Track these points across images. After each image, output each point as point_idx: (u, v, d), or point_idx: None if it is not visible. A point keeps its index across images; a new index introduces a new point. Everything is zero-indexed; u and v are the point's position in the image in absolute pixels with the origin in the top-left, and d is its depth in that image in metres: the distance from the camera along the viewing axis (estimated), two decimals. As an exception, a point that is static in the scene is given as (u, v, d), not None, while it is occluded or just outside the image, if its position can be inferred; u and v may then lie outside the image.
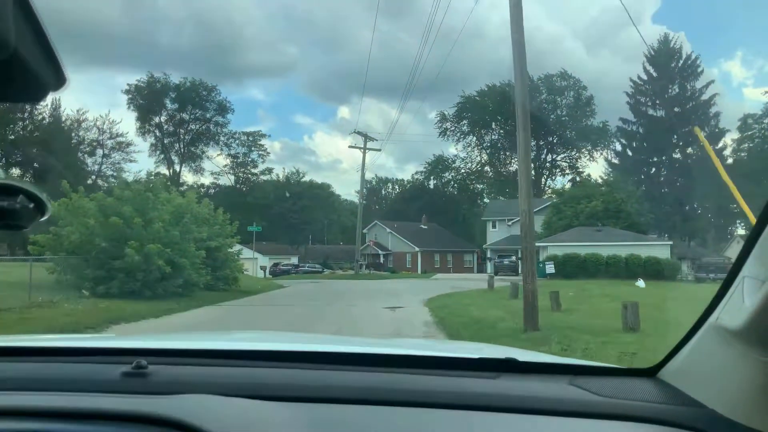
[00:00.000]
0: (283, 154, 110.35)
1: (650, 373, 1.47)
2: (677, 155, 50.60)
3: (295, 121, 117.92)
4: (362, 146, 41.40)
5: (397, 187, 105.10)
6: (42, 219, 0.89)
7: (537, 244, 43.69)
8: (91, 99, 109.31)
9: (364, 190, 38.33)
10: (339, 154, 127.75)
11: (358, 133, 40.48)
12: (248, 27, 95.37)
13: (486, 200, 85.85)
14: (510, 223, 52.72)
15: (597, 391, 1.34)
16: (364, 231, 68.95)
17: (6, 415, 1.07)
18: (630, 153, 54.36)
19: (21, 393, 1.22)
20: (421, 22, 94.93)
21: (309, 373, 1.42)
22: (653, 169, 51.01)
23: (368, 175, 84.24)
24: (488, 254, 52.57)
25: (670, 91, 50.08)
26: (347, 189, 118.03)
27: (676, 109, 49.94)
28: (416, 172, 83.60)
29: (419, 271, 60.46)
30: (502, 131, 74.43)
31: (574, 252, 35.82)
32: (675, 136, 49.99)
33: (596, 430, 1.25)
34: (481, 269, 65.23)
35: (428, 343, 3.04)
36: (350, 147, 41.12)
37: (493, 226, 54.73)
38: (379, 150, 41.58)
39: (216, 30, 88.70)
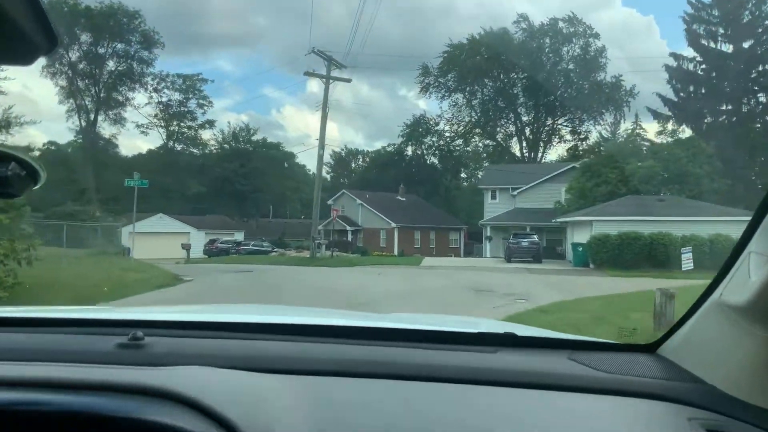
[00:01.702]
0: (251, 128, 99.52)
1: (650, 348, 1.45)
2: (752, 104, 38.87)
3: (263, 94, 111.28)
4: (323, 74, 28.68)
5: (368, 160, 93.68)
6: (35, 187, 0.87)
7: (565, 219, 32.23)
8: None
9: (324, 149, 25.57)
10: (308, 129, 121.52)
11: (318, 53, 27.90)
12: None
13: (475, 168, 74.37)
14: (515, 192, 40.97)
15: (596, 366, 1.33)
16: (329, 202, 56.66)
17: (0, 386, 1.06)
18: (681, 98, 41.82)
19: (14, 363, 1.17)
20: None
21: (307, 346, 1.40)
22: (722, 119, 39.17)
23: (335, 147, 71.83)
24: (487, 232, 40.68)
25: (742, 17, 38.16)
26: (315, 165, 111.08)
27: (747, 44, 38.18)
28: (389, 145, 71.10)
29: (395, 252, 48.59)
30: (498, 84, 62.29)
31: (632, 230, 24.11)
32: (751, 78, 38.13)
33: (595, 404, 1.23)
34: (469, 251, 53.85)
35: (426, 317, 2.39)
36: (306, 73, 28.21)
37: (493, 197, 42.91)
38: (349, 80, 29.07)
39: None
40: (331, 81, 28.70)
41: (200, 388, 1.04)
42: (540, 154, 62.30)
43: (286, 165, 58.70)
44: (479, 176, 78.73)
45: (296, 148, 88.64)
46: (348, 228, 52.17)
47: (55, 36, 0.62)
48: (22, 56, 0.63)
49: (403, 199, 56.75)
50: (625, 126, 56.01)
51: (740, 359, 1.12)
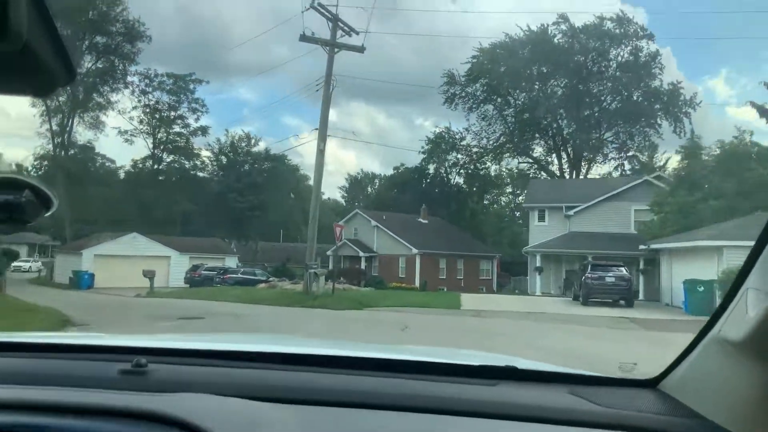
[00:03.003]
0: (253, 138, 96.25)
1: (651, 384, 1.45)
2: None
3: (282, 122, 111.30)
4: (327, 39, 20.79)
5: (385, 181, 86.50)
6: (47, 214, 0.90)
7: (665, 246, 23.44)
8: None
9: (326, 143, 17.56)
10: (325, 156, 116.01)
11: (320, 8, 20.03)
12: (236, 25, 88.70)
13: (512, 188, 65.90)
14: (571, 212, 32.60)
15: (596, 401, 1.33)
16: (342, 222, 48.88)
17: (5, 408, 1.07)
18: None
19: (18, 387, 1.19)
20: (411, 25, 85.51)
21: (307, 375, 1.41)
22: None
23: (351, 171, 64.24)
24: (536, 262, 32.22)
25: None
26: (331, 191, 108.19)
27: None
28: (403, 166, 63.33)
29: (416, 284, 40.42)
30: (534, 93, 54.35)
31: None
32: None
33: None
34: (502, 284, 45.44)
35: (428, 349, 2.35)
36: (303, 39, 20.31)
37: (541, 218, 34.59)
38: (361, 50, 21.17)
39: (203, 26, 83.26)
40: (336, 50, 20.95)
41: (201, 415, 1.05)
42: (583, 174, 53.98)
43: (292, 180, 50.64)
44: (511, 197, 70.96)
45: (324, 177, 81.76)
46: (361, 254, 44.24)
47: (73, 68, 0.64)
48: (41, 88, 0.65)
49: (426, 221, 48.73)
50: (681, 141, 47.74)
51: (740, 395, 1.11)
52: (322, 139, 20.63)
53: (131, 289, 29.14)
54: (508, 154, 57.59)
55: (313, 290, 20.09)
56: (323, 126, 20.85)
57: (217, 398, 1.20)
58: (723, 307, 1.18)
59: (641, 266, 26.61)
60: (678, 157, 29.11)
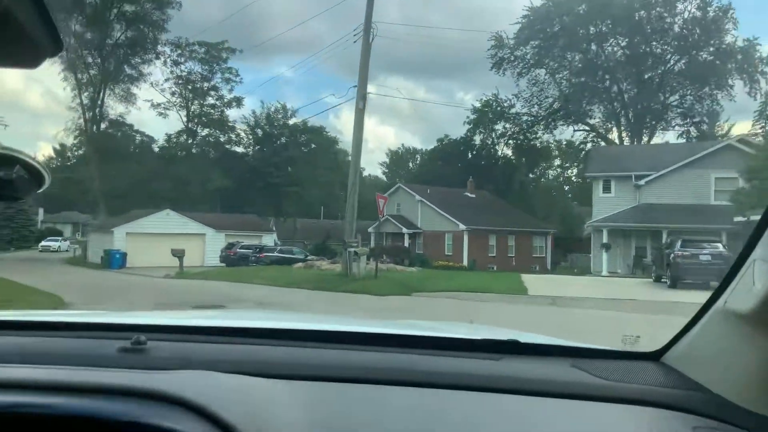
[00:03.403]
0: (289, 109, 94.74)
1: (654, 356, 1.45)
2: None
3: (321, 100, 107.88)
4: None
5: (426, 158, 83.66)
6: (39, 190, 0.90)
7: None
8: None
9: (365, 101, 14.62)
10: (366, 134, 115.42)
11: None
12: (275, 3, 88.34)
13: (558, 161, 62.13)
14: (643, 181, 29.02)
15: (599, 374, 1.32)
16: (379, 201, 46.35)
17: (3, 387, 1.08)
18: None
19: (17, 366, 1.19)
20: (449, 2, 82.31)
21: (309, 351, 1.40)
22: None
23: (391, 146, 61.28)
24: (603, 238, 28.83)
25: None
26: (372, 168, 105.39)
27: None
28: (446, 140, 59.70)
29: (464, 262, 37.61)
30: (591, 55, 50.07)
31: None
32: None
33: (598, 412, 1.22)
34: (556, 262, 42.12)
35: (430, 324, 2.26)
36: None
37: (606, 189, 31.04)
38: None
39: (242, 2, 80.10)
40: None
41: (203, 392, 1.05)
42: (645, 142, 49.61)
43: (331, 153, 47.93)
44: (560, 170, 66.87)
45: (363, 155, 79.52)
46: (404, 230, 41.56)
47: (60, 39, 0.63)
48: (26, 59, 0.63)
49: (473, 195, 45.64)
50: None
51: (745, 367, 1.11)
52: (362, 97, 17.90)
53: (164, 268, 27.36)
54: (561, 121, 53.43)
55: (353, 272, 17.52)
56: (363, 81, 18.12)
57: (218, 375, 1.18)
58: (728, 279, 1.17)
59: (724, 242, 23.14)
60: (747, 124, 25.09)
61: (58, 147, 76.67)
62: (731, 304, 1.14)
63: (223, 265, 34.03)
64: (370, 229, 44.81)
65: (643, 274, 25.40)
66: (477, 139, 57.92)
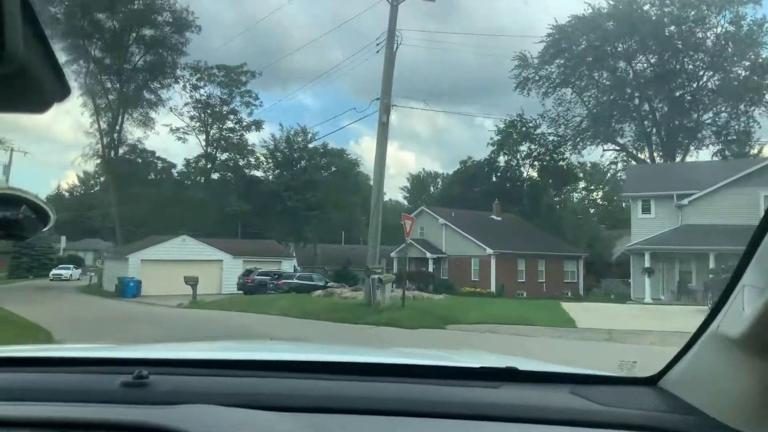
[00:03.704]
0: (309, 132, 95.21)
1: (651, 381, 1.46)
2: None
3: (340, 118, 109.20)
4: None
5: (449, 178, 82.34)
6: (44, 229, 0.92)
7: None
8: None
9: (389, 114, 13.19)
10: (387, 159, 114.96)
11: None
12: (295, 31, 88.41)
13: (583, 183, 60.34)
14: (686, 201, 27.09)
15: (598, 400, 1.33)
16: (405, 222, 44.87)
17: (5, 426, 1.08)
18: None
19: (21, 404, 1.20)
20: (469, 24, 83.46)
21: (309, 382, 1.40)
22: None
23: (412, 171, 60.03)
24: (645, 262, 26.83)
25: None
26: (393, 193, 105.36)
27: None
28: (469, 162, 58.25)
29: (492, 288, 35.82)
30: (620, 72, 48.46)
31: None
32: None
33: None
34: (589, 288, 40.04)
35: (428, 352, 2.43)
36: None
37: (645, 209, 29.08)
38: (433, -1, 16.79)
39: (263, 35, 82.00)
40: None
41: (205, 427, 1.06)
42: (678, 161, 47.51)
43: (351, 177, 46.62)
44: (584, 192, 64.84)
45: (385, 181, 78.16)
46: (428, 255, 39.95)
47: (67, 85, 0.64)
48: (35, 106, 0.64)
49: (500, 218, 43.92)
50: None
51: (739, 391, 1.12)
52: (385, 109, 16.53)
53: (179, 297, 26.07)
54: (589, 141, 51.63)
55: (377, 300, 15.92)
56: (386, 93, 16.75)
57: (220, 409, 1.18)
58: (720, 304, 1.17)
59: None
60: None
61: (81, 175, 76.87)
62: (723, 329, 1.14)
63: (241, 292, 32.69)
64: (392, 254, 43.26)
65: (689, 300, 23.40)
66: (501, 160, 56.38)
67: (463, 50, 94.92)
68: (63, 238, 71.49)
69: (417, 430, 1.23)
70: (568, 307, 19.26)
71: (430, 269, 39.81)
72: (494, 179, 56.73)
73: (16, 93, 0.61)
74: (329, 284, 30.88)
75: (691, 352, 1.31)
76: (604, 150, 52.57)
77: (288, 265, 38.23)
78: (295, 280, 30.42)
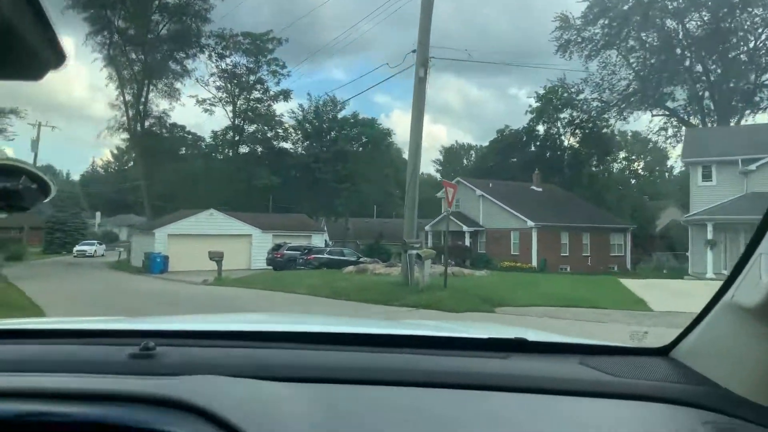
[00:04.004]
0: (339, 102, 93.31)
1: (663, 352, 1.45)
2: None
3: (373, 100, 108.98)
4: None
5: (486, 151, 79.90)
6: (45, 200, 0.92)
7: None
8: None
9: (427, 71, 11.20)
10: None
11: None
12: (324, 6, 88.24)
13: (623, 153, 57.26)
14: (753, 166, 24.53)
15: (608, 371, 1.32)
16: (440, 194, 42.95)
17: (12, 396, 1.09)
18: None
19: (27, 374, 1.20)
20: None
21: (317, 353, 1.40)
22: None
23: (440, 144, 57.83)
24: (707, 233, 24.46)
25: None
26: (425, 166, 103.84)
27: None
28: (507, 130, 55.65)
29: (534, 263, 33.92)
30: (668, 32, 45.07)
31: None
32: None
33: (608, 409, 1.22)
34: (636, 261, 37.74)
35: (436, 323, 2.36)
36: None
37: (706, 176, 26.58)
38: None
39: (292, 10, 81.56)
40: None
41: (211, 397, 1.05)
42: (732, 122, 44.19)
43: (383, 148, 44.67)
44: (625, 162, 61.75)
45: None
46: (465, 228, 38.06)
47: (63, 51, 0.63)
48: (30, 71, 0.64)
49: (540, 189, 41.64)
50: None
51: (754, 361, 1.11)
52: (422, 63, 14.54)
53: (206, 272, 24.97)
54: (636, 106, 48.52)
55: (415, 278, 14.21)
56: (423, 46, 14.72)
57: (227, 379, 1.18)
58: (736, 273, 1.16)
59: None
60: None
61: (115, 151, 76.75)
62: (738, 298, 1.13)
63: (270, 268, 31.51)
64: (427, 228, 41.54)
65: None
66: (541, 129, 53.71)
67: (496, 16, 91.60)
68: (98, 214, 71.82)
69: (425, 401, 1.20)
70: (631, 285, 17.20)
71: (467, 243, 37.99)
72: (533, 149, 54.20)
73: (8, 58, 0.59)
74: (361, 259, 29.38)
75: (705, 322, 1.29)
76: (652, 116, 49.39)
77: (318, 240, 36.88)
78: (325, 255, 28.97)
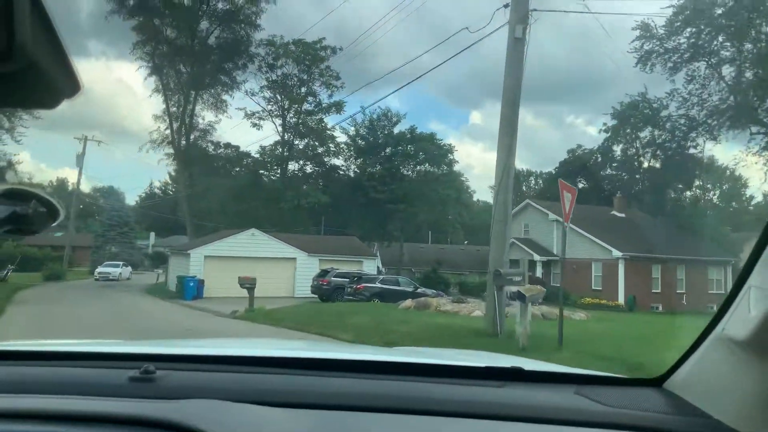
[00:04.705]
0: (395, 115, 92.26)
1: (656, 383, 1.45)
2: None
3: (428, 128, 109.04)
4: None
5: (541, 182, 74.78)
6: (54, 224, 0.93)
7: None
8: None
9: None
10: (470, 159, 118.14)
11: None
12: (380, 33, 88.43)
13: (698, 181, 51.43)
14: None
15: (603, 401, 1.33)
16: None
17: (13, 418, 1.09)
18: None
19: (29, 396, 1.21)
20: (560, 21, 78.54)
21: (316, 379, 1.41)
22: None
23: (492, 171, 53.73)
24: None
25: None
26: (481, 194, 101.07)
27: None
28: (579, 150, 50.97)
29: (620, 299, 29.03)
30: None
31: None
32: None
33: None
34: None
35: (434, 351, 2.54)
36: None
37: None
38: None
39: (349, 37, 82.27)
40: None
41: (211, 421, 1.06)
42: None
43: (444, 165, 40.57)
44: (699, 191, 55.74)
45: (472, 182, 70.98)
46: (536, 257, 33.51)
47: (78, 81, 0.64)
48: (46, 101, 0.65)
49: (623, 215, 36.61)
50: None
51: (744, 393, 1.12)
52: (520, 19, 10.34)
53: (244, 300, 21.32)
54: (730, 123, 42.85)
55: (506, 327, 9.84)
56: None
57: (226, 404, 1.18)
58: (726, 306, 1.17)
59: None
60: None
61: (173, 173, 75.96)
62: (729, 331, 1.14)
63: (315, 297, 27.75)
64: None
65: None
66: (617, 149, 48.62)
67: (552, 46, 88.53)
68: (152, 235, 70.77)
69: (422, 428, 1.21)
70: None
71: (538, 275, 33.32)
72: (608, 172, 49.14)
73: (26, 88, 0.60)
74: (419, 290, 25.23)
75: (697, 354, 1.29)
76: (751, 135, 43.49)
77: (370, 266, 32.91)
78: (377, 285, 24.93)
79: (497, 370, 1.47)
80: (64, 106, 0.64)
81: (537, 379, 1.47)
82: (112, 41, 79.34)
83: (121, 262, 39.80)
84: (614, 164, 49.06)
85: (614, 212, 36.91)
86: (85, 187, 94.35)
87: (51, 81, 0.61)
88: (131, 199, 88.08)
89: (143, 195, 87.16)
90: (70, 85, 0.63)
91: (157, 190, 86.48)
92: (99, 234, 55.97)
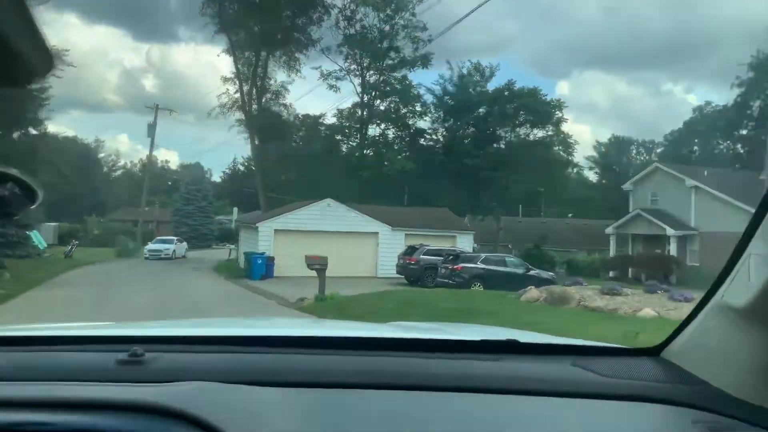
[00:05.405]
0: (489, 69, 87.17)
1: (654, 352, 1.46)
2: None
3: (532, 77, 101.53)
4: None
5: (643, 151, 66.76)
6: (32, 206, 0.92)
7: None
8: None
9: None
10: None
11: None
12: (462, 6, 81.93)
13: None
14: None
15: (599, 372, 1.33)
16: (626, 186, 33.08)
17: None
18: None
19: (13, 383, 1.19)
20: None
21: (309, 358, 1.40)
22: None
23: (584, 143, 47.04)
24: None
25: None
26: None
27: None
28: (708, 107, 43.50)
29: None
30: None
31: None
32: None
33: (599, 410, 1.24)
34: None
35: (428, 325, 2.27)
36: None
37: None
38: None
39: (429, 12, 69.80)
40: None
41: (201, 404, 1.05)
42: None
43: (554, 125, 34.87)
44: None
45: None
46: (669, 231, 27.63)
47: (51, 57, 0.63)
48: (18, 78, 0.63)
49: (773, 179, 29.63)
50: None
51: (744, 361, 1.13)
52: None
53: (316, 282, 17.27)
54: None
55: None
56: None
57: (217, 385, 1.17)
58: (725, 273, 1.17)
59: None
60: None
61: (245, 141, 74.70)
62: (728, 299, 1.15)
63: (401, 277, 23.53)
64: (607, 230, 31.51)
65: None
66: (755, 105, 40.95)
67: (646, 11, 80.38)
68: (235, 210, 69.84)
69: (414, 404, 1.21)
70: None
71: (672, 251, 27.49)
72: (742, 130, 41.58)
73: None
74: (532, 272, 20.39)
75: (695, 322, 1.30)
76: None
77: (464, 243, 28.22)
78: (479, 264, 20.26)
79: (493, 343, 1.47)
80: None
81: (533, 351, 1.46)
82: (198, 27, 79.23)
83: (174, 238, 37.00)
84: (751, 123, 41.45)
85: (762, 177, 30.17)
86: (174, 164, 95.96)
87: (22, 57, 0.58)
88: (217, 176, 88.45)
89: (227, 171, 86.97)
90: (43, 63, 0.61)
91: (240, 166, 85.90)
92: (177, 208, 54.80)
